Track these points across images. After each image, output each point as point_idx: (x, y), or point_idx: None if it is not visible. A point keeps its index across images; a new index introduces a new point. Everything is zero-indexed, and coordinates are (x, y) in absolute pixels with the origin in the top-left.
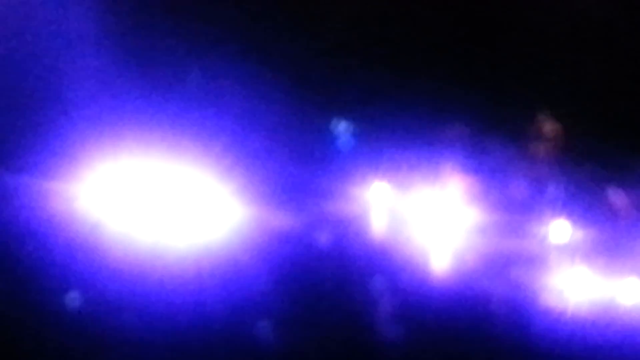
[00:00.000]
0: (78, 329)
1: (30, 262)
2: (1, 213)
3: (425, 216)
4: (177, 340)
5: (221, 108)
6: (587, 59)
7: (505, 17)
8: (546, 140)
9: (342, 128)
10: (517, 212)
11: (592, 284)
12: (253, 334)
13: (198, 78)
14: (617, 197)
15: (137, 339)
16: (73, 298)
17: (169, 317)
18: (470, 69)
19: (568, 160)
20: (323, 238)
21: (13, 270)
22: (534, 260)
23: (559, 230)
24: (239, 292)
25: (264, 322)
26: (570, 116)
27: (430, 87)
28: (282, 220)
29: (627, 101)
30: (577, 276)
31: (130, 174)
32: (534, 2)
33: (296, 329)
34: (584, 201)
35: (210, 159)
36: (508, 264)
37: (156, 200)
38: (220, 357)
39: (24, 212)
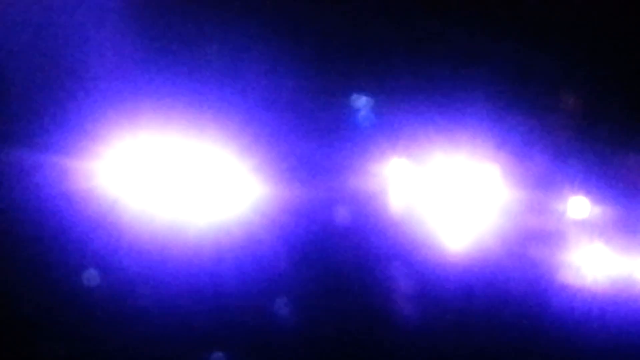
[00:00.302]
0: (97, 306)
1: (50, 240)
2: (22, 191)
3: (444, 192)
4: (195, 316)
5: (239, 85)
6: (610, 35)
7: None
8: (566, 115)
9: (360, 104)
10: (536, 188)
11: (610, 260)
12: (271, 311)
13: (217, 55)
14: (636, 174)
15: (156, 315)
16: (92, 275)
17: (187, 294)
18: (492, 42)
19: (587, 136)
20: (342, 215)
21: (33, 247)
22: (553, 237)
23: (578, 206)
24: (257, 269)
25: (282, 298)
26: (591, 92)
27: (451, 61)
28: (300, 196)
29: None
30: (595, 252)
31: (149, 151)
32: None
33: (313, 306)
34: (603, 177)
35: (228, 136)
36: (526, 240)
37: (175, 177)
38: (238, 333)
39: (43, 189)
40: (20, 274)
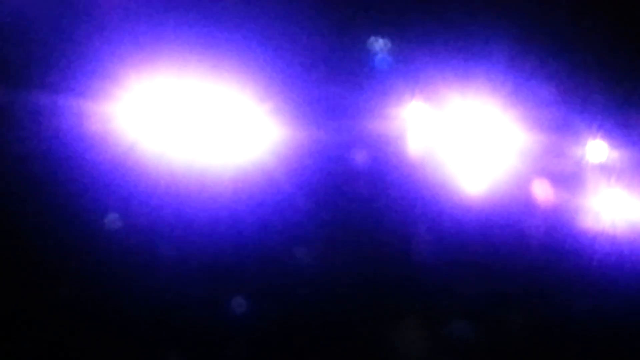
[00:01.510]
0: (115, 247)
1: (69, 182)
2: (41, 133)
3: (463, 136)
4: (213, 258)
5: (257, 28)
6: None
7: None
8: (584, 59)
9: (379, 47)
10: (554, 132)
11: (628, 204)
12: (289, 253)
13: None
14: None
15: (174, 258)
16: (111, 217)
17: (206, 236)
18: None
19: (605, 79)
20: (360, 157)
21: (53, 189)
22: (571, 180)
23: (596, 150)
24: (275, 211)
25: (299, 241)
26: (609, 35)
27: (469, 4)
28: (318, 139)
29: None
30: (613, 196)
31: (167, 95)
32: None
33: (331, 248)
34: (621, 121)
35: (246, 79)
36: (544, 183)
37: (193, 120)
38: (257, 275)
39: (64, 132)
40: (40, 216)
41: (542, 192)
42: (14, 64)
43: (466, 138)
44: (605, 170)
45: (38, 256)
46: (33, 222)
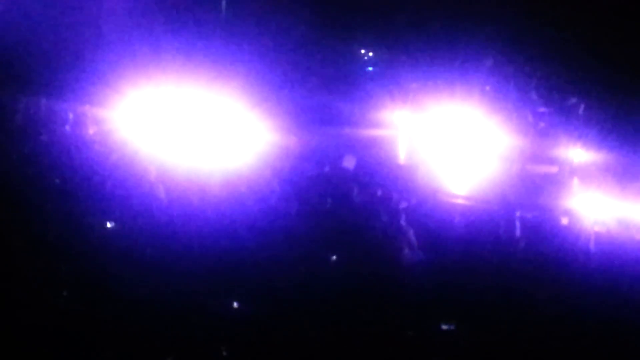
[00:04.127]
0: (108, 248)
1: (67, 184)
2: (39, 137)
3: (448, 141)
4: (204, 260)
5: (250, 38)
6: None
7: None
8: (567, 67)
9: (368, 56)
10: (537, 136)
11: (607, 206)
12: (279, 255)
13: (226, 9)
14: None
15: (167, 258)
16: (104, 219)
17: (198, 238)
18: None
19: (587, 87)
20: (348, 162)
21: (52, 191)
22: (553, 183)
23: (576, 154)
24: (266, 214)
25: (290, 243)
26: (586, 44)
27: (454, 13)
28: (309, 145)
29: None
30: (594, 199)
31: (162, 100)
32: None
33: (321, 251)
34: (600, 125)
35: (237, 86)
36: (526, 186)
37: (187, 126)
38: (248, 277)
39: (59, 136)
40: (41, 215)
41: (524, 194)
42: (14, 70)
43: (452, 143)
44: (586, 173)
45: (33, 256)
46: (30, 223)
